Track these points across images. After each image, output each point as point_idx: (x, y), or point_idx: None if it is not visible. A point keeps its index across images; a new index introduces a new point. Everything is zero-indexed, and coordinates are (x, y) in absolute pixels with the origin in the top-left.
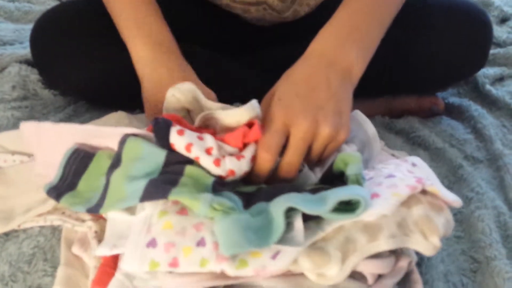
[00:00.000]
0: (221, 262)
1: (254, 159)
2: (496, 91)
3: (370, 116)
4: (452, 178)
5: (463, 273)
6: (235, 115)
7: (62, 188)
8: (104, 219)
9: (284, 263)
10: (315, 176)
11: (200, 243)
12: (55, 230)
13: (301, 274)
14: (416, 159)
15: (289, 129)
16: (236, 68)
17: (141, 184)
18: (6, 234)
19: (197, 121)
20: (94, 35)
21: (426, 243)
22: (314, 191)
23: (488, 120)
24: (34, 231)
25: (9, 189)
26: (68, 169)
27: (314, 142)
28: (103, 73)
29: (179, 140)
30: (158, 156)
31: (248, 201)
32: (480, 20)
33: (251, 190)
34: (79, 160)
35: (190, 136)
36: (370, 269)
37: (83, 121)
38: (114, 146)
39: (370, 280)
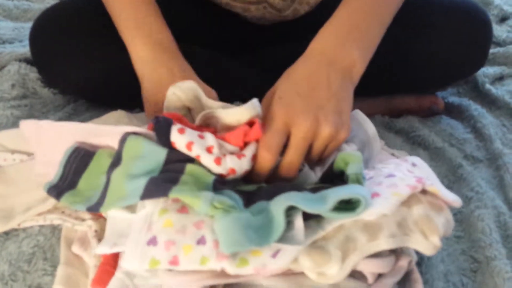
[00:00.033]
0: (221, 260)
1: (254, 158)
2: (496, 90)
3: (370, 115)
4: (452, 178)
5: (463, 273)
6: (236, 114)
7: (62, 186)
8: (104, 218)
9: (284, 262)
10: (315, 175)
11: (201, 241)
12: (55, 229)
13: (302, 273)
14: (416, 159)
15: (289, 129)
16: (236, 67)
17: (141, 183)
18: (6, 233)
19: (198, 119)
20: (94, 34)
21: (426, 243)
22: (314, 190)
23: (487, 120)
24: (34, 230)
25: (9, 188)
26: (68, 167)
27: (315, 142)
28: (103, 72)
29: (179, 138)
30: (159, 154)
31: (249, 200)
32: (480, 19)
33: (252, 189)
34: (80, 159)
35: (190, 134)
36: (370, 268)
37: (83, 120)
38: (115, 144)
39: (370, 279)
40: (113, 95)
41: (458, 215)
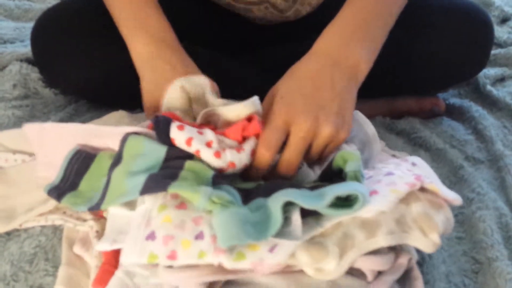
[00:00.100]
0: (218, 255)
1: (254, 153)
2: (497, 91)
3: (371, 116)
4: (453, 179)
5: (464, 274)
6: (235, 110)
7: (63, 188)
8: (105, 219)
9: (281, 257)
10: (314, 173)
11: (199, 236)
12: (57, 230)
13: (300, 271)
14: (416, 159)
15: (289, 127)
16: (236, 67)
17: (141, 179)
18: (8, 234)
19: (199, 118)
20: (95, 34)
21: (426, 240)
22: (313, 188)
23: (489, 121)
24: (35, 231)
25: (10, 189)
26: (69, 169)
27: (314, 142)
28: (103, 72)
29: (179, 135)
30: (159, 151)
31: (247, 197)
32: (481, 20)
33: (250, 186)
34: (81, 161)
35: (190, 131)
36: (369, 265)
37: (84, 121)
38: (115, 146)
39: (370, 277)
40: (114, 95)
41: (459, 216)
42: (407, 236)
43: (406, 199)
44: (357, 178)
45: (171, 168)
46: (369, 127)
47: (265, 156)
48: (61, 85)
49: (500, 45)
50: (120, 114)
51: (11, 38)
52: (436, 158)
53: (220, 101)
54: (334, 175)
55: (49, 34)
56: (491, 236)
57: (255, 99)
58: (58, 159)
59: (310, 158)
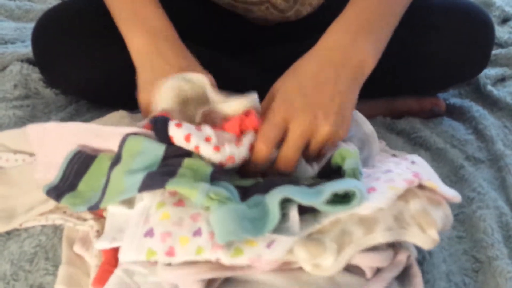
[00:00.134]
0: (216, 251)
1: (252, 148)
2: (498, 91)
3: (371, 116)
4: (454, 178)
5: (465, 273)
6: (233, 105)
7: (62, 188)
8: (106, 218)
9: (279, 253)
10: (312, 170)
11: (197, 233)
12: (57, 229)
13: (299, 269)
14: (415, 157)
15: (288, 125)
16: (236, 67)
17: (139, 177)
18: (8, 233)
19: (198, 117)
20: (95, 34)
21: (424, 236)
22: (310, 185)
23: (489, 121)
24: (35, 230)
25: (11, 189)
26: (69, 170)
27: (313, 140)
28: (104, 72)
29: (178, 131)
30: (157, 150)
31: (245, 194)
32: (481, 20)
33: (249, 184)
34: (81, 162)
35: (188, 127)
36: (367, 262)
37: (85, 121)
38: (116, 148)
39: (369, 274)
40: (114, 96)
41: (460, 215)
42: (405, 233)
43: (404, 196)
44: (355, 175)
45: (169, 166)
46: (368, 126)
47: (263, 150)
48: (61, 86)
49: (500, 45)
50: (120, 114)
51: (12, 39)
52: (436, 157)
53: (221, 97)
54: (332, 172)
55: (50, 34)
56: (492, 235)
57: (253, 95)
58: (59, 158)
59: (308, 155)
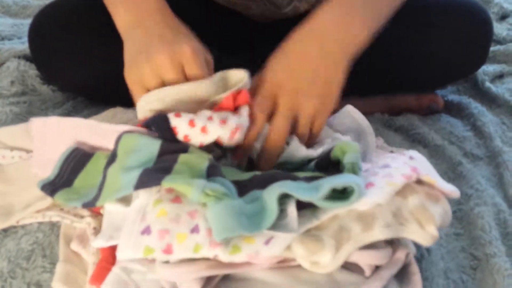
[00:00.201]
0: (214, 248)
1: (251, 116)
2: (496, 88)
3: (369, 113)
4: (452, 175)
5: (463, 270)
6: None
7: (57, 184)
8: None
9: (277, 249)
10: (306, 150)
11: (194, 229)
12: (54, 226)
13: (297, 266)
14: (414, 153)
15: (277, 99)
16: (237, 64)
17: (135, 174)
18: (5, 230)
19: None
20: (93, 31)
21: (423, 233)
22: (309, 180)
23: (487, 118)
24: (32, 227)
25: (8, 186)
26: (65, 166)
27: (300, 113)
28: (101, 69)
29: (180, 121)
30: (153, 146)
31: (242, 189)
32: (481, 18)
33: (245, 177)
34: (78, 159)
35: (187, 115)
36: (366, 259)
37: (82, 117)
38: (112, 147)
39: (367, 271)
40: (112, 93)
41: (458, 212)
42: (404, 229)
43: (402, 192)
44: (354, 170)
45: (165, 162)
46: (363, 120)
47: (259, 116)
48: (58, 82)
49: (499, 42)
50: (117, 110)
51: (8, 35)
52: (434, 154)
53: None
54: (330, 164)
55: (46, 31)
56: (489, 232)
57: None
58: (57, 154)
59: (300, 132)
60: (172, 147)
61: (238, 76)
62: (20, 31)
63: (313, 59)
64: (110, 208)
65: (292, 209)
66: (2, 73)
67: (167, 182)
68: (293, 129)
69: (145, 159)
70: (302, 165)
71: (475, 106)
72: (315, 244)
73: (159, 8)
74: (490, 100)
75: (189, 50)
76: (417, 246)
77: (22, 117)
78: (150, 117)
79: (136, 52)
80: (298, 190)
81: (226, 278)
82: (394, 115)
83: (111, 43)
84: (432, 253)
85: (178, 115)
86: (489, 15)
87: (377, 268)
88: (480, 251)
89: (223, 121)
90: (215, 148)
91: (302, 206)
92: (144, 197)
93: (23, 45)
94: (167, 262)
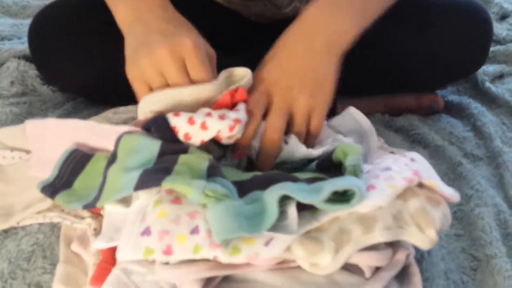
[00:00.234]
0: (214, 249)
1: (248, 112)
2: (496, 88)
3: (369, 113)
4: (452, 176)
5: (463, 271)
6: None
7: (57, 185)
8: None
9: (277, 251)
10: (306, 149)
11: (194, 231)
12: (54, 227)
13: (297, 268)
14: (414, 154)
15: (271, 97)
16: (236, 64)
17: (135, 175)
18: (5, 231)
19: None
20: (93, 31)
21: (422, 236)
22: (310, 181)
23: (487, 118)
24: (33, 228)
25: (8, 187)
26: (65, 168)
27: (294, 110)
28: (101, 69)
29: (179, 120)
30: (153, 147)
31: (243, 190)
32: (481, 18)
33: (246, 178)
34: (77, 160)
35: (186, 113)
36: (366, 261)
37: (82, 118)
38: (112, 147)
39: (367, 273)
40: (112, 93)
41: (458, 213)
42: (403, 232)
43: (403, 195)
44: (356, 172)
45: (165, 163)
46: (365, 122)
47: (255, 113)
48: (58, 82)
49: (499, 42)
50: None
51: (8, 35)
52: (434, 155)
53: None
54: (332, 165)
55: (46, 31)
56: (490, 233)
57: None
58: (58, 155)
59: (297, 130)
60: (172, 147)
61: (242, 73)
62: (20, 31)
63: (301, 57)
64: (110, 209)
65: (292, 210)
66: (2, 74)
67: (167, 183)
68: (291, 128)
69: (145, 160)
70: (302, 165)
71: (475, 107)
72: (315, 246)
73: (159, 3)
74: (490, 100)
75: (190, 43)
76: (418, 247)
77: (22, 118)
78: (150, 118)
79: (137, 47)
80: (299, 192)
81: (226, 279)
82: (394, 115)
83: (111, 43)
84: (432, 254)
85: (177, 114)
86: (489, 15)
87: (377, 269)
88: (480, 252)
89: (222, 117)
90: (215, 148)
91: (302, 207)
92: (144, 198)
93: (23, 45)
94: (167, 263)
